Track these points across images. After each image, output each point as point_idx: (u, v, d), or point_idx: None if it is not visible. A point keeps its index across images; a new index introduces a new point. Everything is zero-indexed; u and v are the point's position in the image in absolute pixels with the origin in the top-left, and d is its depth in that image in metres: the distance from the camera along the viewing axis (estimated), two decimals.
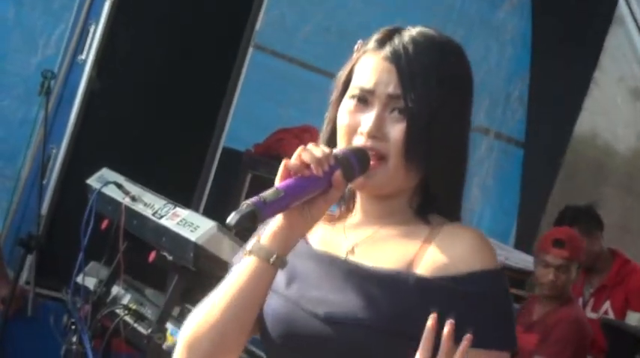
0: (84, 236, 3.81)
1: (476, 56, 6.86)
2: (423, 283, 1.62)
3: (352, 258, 1.71)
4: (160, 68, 4.89)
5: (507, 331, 1.65)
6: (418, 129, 1.66)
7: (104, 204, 3.88)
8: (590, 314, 5.23)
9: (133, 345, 3.54)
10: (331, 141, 1.74)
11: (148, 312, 3.52)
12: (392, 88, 1.68)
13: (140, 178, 3.97)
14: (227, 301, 1.67)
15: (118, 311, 3.59)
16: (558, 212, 5.69)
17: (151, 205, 3.66)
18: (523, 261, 5.79)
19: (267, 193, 1.60)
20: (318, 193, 1.65)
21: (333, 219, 1.80)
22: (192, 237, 3.28)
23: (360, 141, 1.69)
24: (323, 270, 1.71)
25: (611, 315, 5.29)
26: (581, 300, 5.32)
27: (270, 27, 5.50)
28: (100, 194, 3.88)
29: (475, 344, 1.58)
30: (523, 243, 6.63)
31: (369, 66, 1.72)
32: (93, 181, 4.01)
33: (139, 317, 3.52)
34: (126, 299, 3.67)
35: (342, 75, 1.77)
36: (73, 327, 3.75)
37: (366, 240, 1.73)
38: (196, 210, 4.31)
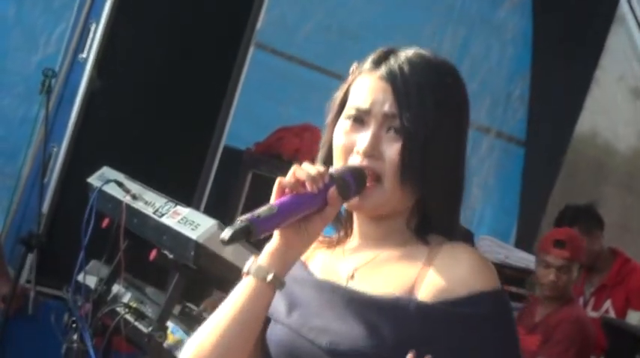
0: (85, 234, 3.81)
1: (477, 55, 6.87)
2: (423, 309, 1.62)
3: (352, 284, 1.71)
4: (160, 67, 4.89)
5: (510, 352, 1.65)
6: (414, 149, 1.66)
7: (105, 202, 3.88)
8: (591, 314, 5.23)
9: (133, 343, 3.54)
10: (328, 163, 1.74)
11: (149, 311, 3.52)
12: (388, 107, 1.68)
13: (141, 177, 3.97)
14: (226, 322, 1.67)
15: (118, 309, 3.59)
16: (558, 211, 5.69)
17: (151, 203, 3.66)
18: (523, 259, 5.80)
19: (261, 210, 1.60)
20: (314, 211, 1.64)
21: (331, 245, 1.80)
22: (193, 235, 3.28)
23: (356, 160, 1.69)
24: (324, 298, 1.71)
25: (611, 314, 5.30)
26: (581, 299, 5.33)
27: (271, 25, 5.51)
28: (101, 192, 3.88)
29: None
30: (524, 242, 6.64)
31: (365, 86, 1.72)
32: (94, 180, 4.01)
33: (140, 315, 3.52)
34: (127, 298, 3.67)
35: (337, 96, 1.77)
36: (74, 326, 3.75)
37: (366, 264, 1.72)
38: (197, 208, 4.31)
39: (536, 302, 4.75)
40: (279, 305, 1.74)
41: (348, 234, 1.79)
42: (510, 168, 7.05)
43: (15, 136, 5.17)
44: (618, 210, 6.98)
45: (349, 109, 1.72)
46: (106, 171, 4.03)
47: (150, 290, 3.73)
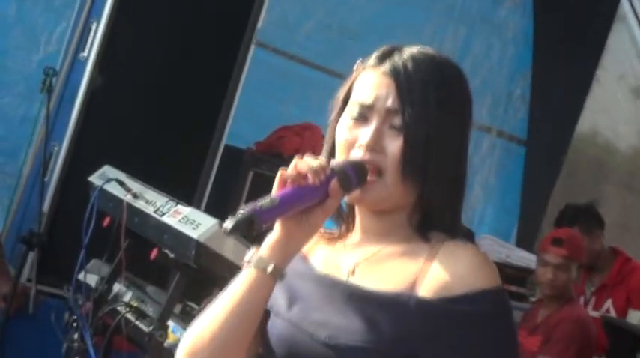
0: (85, 233, 3.81)
1: (478, 54, 6.87)
2: (424, 305, 1.62)
3: (353, 280, 1.71)
4: (161, 66, 4.89)
5: (507, 351, 1.64)
6: (416, 144, 1.66)
7: (106, 201, 3.88)
8: (592, 313, 5.23)
9: (134, 343, 3.54)
10: (331, 159, 1.74)
11: (150, 310, 3.52)
12: (391, 103, 1.68)
13: (142, 176, 3.97)
14: (226, 312, 1.67)
15: (119, 308, 3.59)
16: (559, 210, 5.69)
17: (152, 202, 3.66)
18: (524, 258, 5.80)
19: (263, 201, 1.61)
20: (315, 203, 1.65)
21: (333, 240, 1.80)
22: (194, 234, 3.28)
23: (358, 153, 1.69)
24: (324, 293, 1.71)
25: (612, 314, 5.29)
26: (582, 299, 5.32)
27: (272, 24, 5.51)
28: (102, 191, 3.88)
29: None
30: (524, 241, 6.64)
31: (368, 82, 1.72)
32: (95, 179, 4.01)
33: (141, 314, 3.52)
34: (127, 297, 3.67)
35: (341, 92, 1.77)
36: (75, 325, 3.75)
37: (367, 260, 1.72)
38: (198, 207, 4.31)
39: (539, 306, 4.75)
40: (279, 298, 1.74)
41: (349, 228, 1.79)
42: (511, 167, 7.06)
43: (16, 135, 5.18)
44: (618, 209, 6.98)
45: (352, 105, 1.73)
46: (107, 170, 4.03)
47: (151, 289, 3.73)
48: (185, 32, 4.91)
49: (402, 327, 1.61)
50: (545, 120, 6.91)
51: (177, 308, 3.49)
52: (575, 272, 4.60)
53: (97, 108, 4.76)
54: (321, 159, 1.67)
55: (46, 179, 4.68)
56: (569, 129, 6.85)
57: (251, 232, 1.58)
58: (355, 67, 1.77)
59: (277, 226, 1.66)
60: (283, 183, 1.64)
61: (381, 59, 1.73)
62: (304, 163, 1.64)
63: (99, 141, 4.72)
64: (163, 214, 3.54)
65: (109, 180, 3.90)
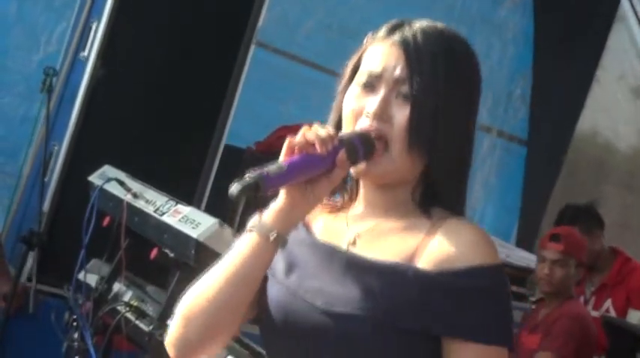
0: (85, 233, 3.81)
1: (478, 54, 6.86)
2: (422, 276, 1.62)
3: (353, 250, 1.71)
4: (161, 65, 4.89)
5: (504, 327, 1.65)
6: (423, 113, 1.66)
7: (106, 201, 3.88)
8: (592, 313, 5.23)
9: (134, 342, 3.54)
10: (337, 129, 1.74)
11: (150, 309, 3.52)
12: (399, 72, 1.68)
13: (142, 175, 3.97)
14: (226, 276, 1.67)
15: (119, 308, 3.59)
16: (559, 210, 5.69)
17: (152, 202, 3.66)
18: (524, 258, 5.80)
19: (271, 167, 1.61)
20: (322, 172, 1.65)
21: (335, 209, 1.80)
22: (194, 233, 3.28)
23: (365, 122, 1.69)
24: (323, 261, 1.71)
25: (612, 314, 5.29)
26: (582, 299, 5.32)
27: (272, 24, 5.51)
28: (102, 191, 3.88)
29: (472, 338, 1.60)
30: (525, 241, 6.64)
31: (378, 52, 1.73)
32: (94, 178, 4.02)
33: (141, 314, 3.52)
34: (127, 296, 3.68)
35: (350, 63, 1.78)
36: (75, 324, 3.75)
37: (368, 231, 1.72)
38: (198, 207, 4.31)
39: (541, 306, 4.75)
40: (278, 264, 1.74)
41: (352, 199, 1.79)
42: (511, 167, 7.06)
43: (16, 135, 5.18)
44: (618, 208, 6.98)
45: (361, 74, 1.73)
46: (107, 170, 4.03)
47: (151, 288, 3.73)
48: (185, 32, 4.91)
49: (398, 297, 1.61)
50: (545, 120, 6.91)
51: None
52: (573, 269, 4.58)
53: (97, 107, 4.76)
54: (330, 129, 1.67)
55: (46, 179, 4.68)
56: (570, 129, 6.85)
57: (257, 197, 1.58)
58: (365, 40, 1.77)
59: (282, 194, 1.66)
60: (291, 150, 1.64)
61: (391, 31, 1.73)
62: (313, 132, 1.64)
63: (99, 141, 4.72)
64: (163, 214, 3.54)
65: (108, 180, 3.90)
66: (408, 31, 1.71)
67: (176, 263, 3.41)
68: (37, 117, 4.91)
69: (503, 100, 6.98)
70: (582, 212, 5.43)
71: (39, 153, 4.83)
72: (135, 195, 3.76)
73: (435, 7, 6.25)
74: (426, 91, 1.67)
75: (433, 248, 1.65)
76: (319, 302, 1.66)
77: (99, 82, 4.72)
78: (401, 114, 1.67)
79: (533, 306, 5.16)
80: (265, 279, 1.74)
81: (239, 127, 5.17)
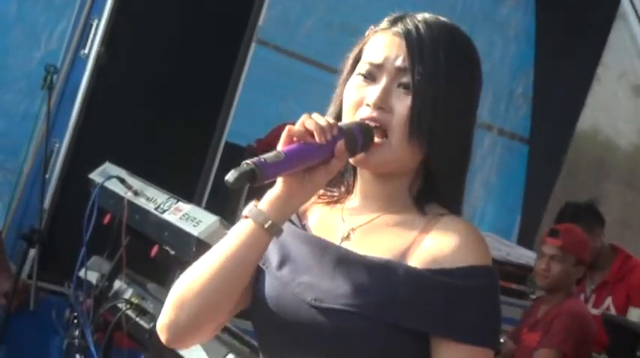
0: (86, 230, 3.81)
1: (479, 52, 6.86)
2: (412, 274, 1.62)
3: (346, 244, 1.71)
4: (162, 62, 4.90)
5: (492, 329, 1.64)
6: (424, 103, 1.66)
7: (106, 198, 3.88)
8: (592, 311, 5.22)
9: (134, 339, 3.55)
10: (338, 119, 1.73)
11: (150, 307, 3.53)
12: (400, 61, 1.68)
13: (142, 173, 3.98)
14: (219, 262, 1.67)
15: (120, 305, 3.59)
16: (560, 208, 5.69)
17: (153, 199, 3.66)
18: (525, 256, 5.80)
19: (269, 155, 1.59)
20: (320, 162, 1.64)
21: (332, 202, 1.80)
22: (195, 231, 3.28)
23: (365, 112, 1.69)
24: (315, 255, 1.71)
25: (612, 312, 5.29)
26: (582, 296, 5.32)
27: (273, 22, 5.51)
28: (103, 188, 3.89)
29: (460, 339, 1.60)
30: (525, 240, 6.63)
31: (379, 43, 1.72)
32: (95, 175, 4.02)
33: (141, 311, 3.52)
34: (128, 294, 3.68)
35: (351, 55, 1.77)
36: (75, 321, 3.75)
37: (363, 226, 1.72)
38: (198, 204, 4.31)
39: (540, 302, 4.75)
40: (272, 256, 1.74)
41: (349, 191, 1.79)
42: (512, 165, 7.05)
43: (17, 132, 5.17)
44: (619, 206, 6.98)
45: (362, 64, 1.73)
46: (108, 167, 4.03)
47: (151, 286, 3.73)
48: (186, 29, 4.92)
49: (388, 294, 1.61)
50: (546, 118, 6.91)
51: None
52: (571, 266, 4.57)
53: (97, 105, 4.76)
54: (329, 118, 1.66)
55: (46, 176, 4.68)
56: (570, 127, 6.85)
57: (253, 185, 1.57)
58: (367, 32, 1.77)
59: (279, 182, 1.65)
60: (290, 139, 1.63)
61: (393, 22, 1.74)
62: (312, 121, 1.64)
63: (99, 138, 4.72)
64: (164, 211, 3.54)
65: (109, 177, 3.90)
66: (410, 22, 1.72)
67: (177, 260, 3.41)
68: (38, 115, 4.91)
69: (504, 98, 6.97)
70: (583, 210, 5.43)
71: (40, 150, 4.83)
72: (135, 193, 3.76)
73: (436, 5, 6.24)
74: (427, 81, 1.66)
75: (426, 246, 1.64)
76: (309, 297, 1.66)
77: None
78: (402, 104, 1.67)
79: (534, 299, 5.16)
80: (260, 271, 1.74)
81: (240, 125, 5.17)
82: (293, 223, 1.77)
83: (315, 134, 1.62)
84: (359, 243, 1.70)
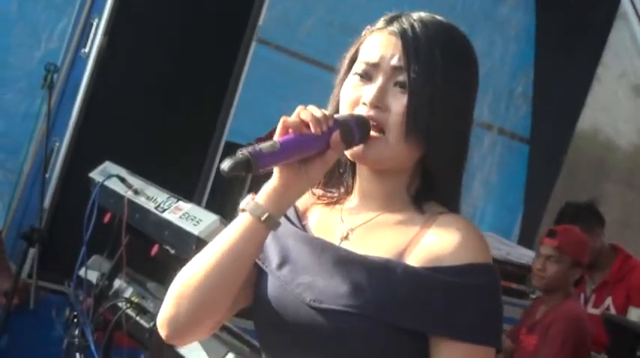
0: (86, 229, 3.81)
1: (479, 52, 6.81)
2: (411, 273, 1.61)
3: (345, 244, 1.71)
4: (163, 62, 4.90)
5: (493, 327, 1.63)
6: (420, 101, 1.66)
7: (107, 197, 3.88)
8: (592, 311, 5.23)
9: (135, 338, 3.55)
10: None
11: (150, 306, 3.53)
12: (396, 60, 1.68)
13: (142, 172, 3.98)
14: (217, 256, 1.67)
15: (120, 304, 3.59)
16: (559, 208, 5.69)
17: (153, 199, 3.66)
18: (525, 256, 5.80)
19: (264, 144, 1.59)
20: (315, 153, 1.63)
21: (331, 203, 1.80)
22: (195, 230, 3.28)
23: (361, 111, 1.69)
24: (315, 255, 1.70)
25: (612, 311, 5.29)
26: (582, 297, 5.32)
27: (273, 21, 5.51)
28: (103, 187, 3.88)
29: (460, 337, 1.59)
30: (526, 239, 6.63)
31: (375, 42, 1.73)
32: (95, 174, 4.02)
33: (141, 310, 3.52)
34: (128, 293, 3.68)
35: (347, 55, 1.78)
36: (75, 320, 3.75)
37: (362, 226, 1.72)
38: (199, 203, 4.31)
39: (539, 302, 4.74)
40: (272, 255, 1.74)
41: (348, 192, 1.79)
42: (512, 165, 7.05)
43: (17, 131, 5.17)
44: (619, 206, 6.98)
45: (358, 64, 1.73)
46: (108, 166, 4.03)
47: (151, 285, 3.73)
48: (186, 28, 4.92)
49: (387, 294, 1.61)
50: (546, 117, 6.91)
51: None
52: (567, 267, 4.56)
53: (98, 104, 4.76)
54: (324, 111, 1.66)
55: (47, 175, 4.68)
56: (570, 127, 6.85)
57: (248, 174, 1.57)
58: (363, 33, 1.77)
59: (275, 174, 1.65)
60: (285, 130, 1.63)
61: (389, 22, 1.74)
62: (307, 112, 1.64)
63: (100, 138, 4.72)
64: (164, 210, 3.54)
65: (109, 176, 3.90)
66: (405, 21, 1.72)
67: (177, 259, 3.41)
68: (38, 114, 4.91)
69: (504, 98, 6.97)
70: (583, 210, 5.43)
71: (40, 149, 4.83)
72: (136, 192, 3.76)
73: (436, 4, 6.22)
74: (423, 79, 1.66)
75: (424, 245, 1.64)
76: (309, 297, 1.66)
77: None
78: (398, 102, 1.67)
79: (533, 298, 5.15)
80: (261, 271, 1.74)
81: (240, 124, 5.17)
82: (293, 224, 1.77)
83: (310, 124, 1.62)
84: (358, 242, 1.70)
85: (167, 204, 3.57)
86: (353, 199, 1.78)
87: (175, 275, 3.31)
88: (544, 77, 6.91)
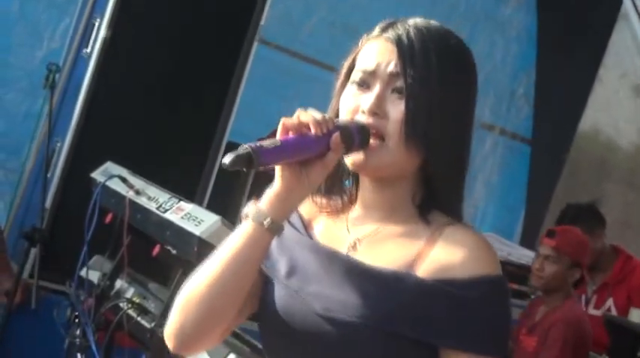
0: (88, 229, 3.81)
1: (481, 52, 6.87)
2: (420, 285, 1.62)
3: (353, 255, 1.71)
4: (164, 61, 4.89)
5: (501, 339, 1.64)
6: (418, 107, 1.66)
7: (108, 197, 3.88)
8: (593, 312, 5.23)
9: (136, 339, 3.55)
10: None
11: (152, 306, 3.53)
12: (392, 66, 1.68)
13: (144, 172, 3.98)
14: (222, 264, 1.67)
15: (121, 304, 3.60)
16: (561, 209, 5.69)
17: (155, 199, 3.66)
18: (526, 256, 5.80)
19: (265, 142, 1.60)
20: (316, 155, 1.64)
21: (336, 212, 1.79)
22: (197, 231, 3.28)
23: (361, 119, 1.69)
24: (323, 265, 1.71)
25: (613, 312, 5.29)
26: (583, 297, 5.32)
27: (275, 21, 5.51)
28: (104, 187, 3.89)
29: (469, 349, 1.60)
30: (528, 240, 6.63)
31: (371, 50, 1.73)
32: (97, 175, 4.02)
33: (143, 310, 3.52)
34: (129, 293, 3.68)
35: (345, 63, 1.78)
36: (77, 321, 3.75)
37: (368, 236, 1.72)
38: (200, 204, 4.32)
39: (539, 303, 4.74)
40: (279, 265, 1.74)
41: (352, 201, 1.79)
42: (514, 165, 7.05)
43: (18, 131, 5.18)
44: (620, 206, 6.98)
45: (356, 73, 1.73)
46: (110, 167, 4.03)
47: (153, 285, 3.73)
48: (188, 28, 4.91)
49: (396, 304, 1.61)
50: (547, 118, 6.91)
51: None
52: (565, 267, 4.55)
53: (99, 104, 4.76)
54: (325, 114, 1.67)
55: (48, 175, 4.68)
56: (572, 127, 6.85)
57: (249, 169, 1.57)
58: (360, 41, 1.77)
59: (277, 178, 1.65)
60: (286, 131, 1.64)
61: (384, 29, 1.74)
62: (308, 114, 1.64)
63: (101, 138, 4.72)
64: (166, 211, 3.54)
65: (111, 177, 3.90)
66: (400, 28, 1.71)
67: (178, 260, 3.42)
68: (40, 114, 4.92)
69: (506, 98, 6.98)
70: (584, 211, 5.43)
71: (41, 149, 4.83)
72: (137, 192, 3.76)
73: (438, 5, 6.25)
74: (420, 85, 1.66)
75: (433, 257, 1.64)
76: (318, 306, 1.66)
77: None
78: (396, 109, 1.67)
79: (532, 298, 5.15)
80: (268, 281, 1.74)
81: (242, 124, 5.17)
82: (300, 233, 1.77)
83: (310, 126, 1.63)
84: (366, 253, 1.70)
85: (169, 204, 3.57)
86: (356, 209, 1.78)
87: (176, 275, 3.32)
88: (545, 78, 6.91)
